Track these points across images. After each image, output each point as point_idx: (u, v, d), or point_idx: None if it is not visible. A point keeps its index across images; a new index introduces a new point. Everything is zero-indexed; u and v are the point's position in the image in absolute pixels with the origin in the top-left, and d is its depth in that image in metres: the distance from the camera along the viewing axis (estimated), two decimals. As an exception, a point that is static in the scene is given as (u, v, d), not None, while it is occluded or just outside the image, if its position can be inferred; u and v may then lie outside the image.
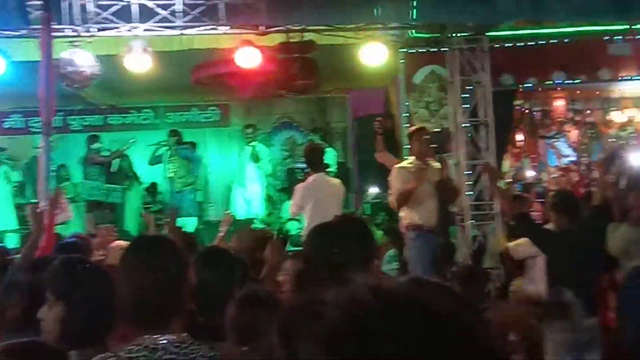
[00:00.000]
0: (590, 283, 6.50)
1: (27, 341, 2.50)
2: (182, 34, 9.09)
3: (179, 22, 8.70)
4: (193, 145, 12.99)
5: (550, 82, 11.07)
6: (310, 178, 8.45)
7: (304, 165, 10.91)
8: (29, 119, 13.16)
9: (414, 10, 9.11)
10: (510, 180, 12.30)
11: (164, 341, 2.53)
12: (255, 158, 12.29)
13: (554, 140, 14.03)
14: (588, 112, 13.42)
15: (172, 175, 12.29)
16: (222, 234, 6.74)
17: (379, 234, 9.33)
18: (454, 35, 9.87)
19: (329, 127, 13.87)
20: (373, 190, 11.32)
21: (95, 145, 12.62)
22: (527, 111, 12.98)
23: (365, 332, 0.92)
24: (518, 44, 10.57)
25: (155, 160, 12.72)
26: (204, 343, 2.61)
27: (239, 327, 2.90)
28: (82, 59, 8.91)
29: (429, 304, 0.97)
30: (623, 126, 13.52)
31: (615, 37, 10.68)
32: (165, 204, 12.39)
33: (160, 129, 13.43)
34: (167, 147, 12.47)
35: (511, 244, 7.68)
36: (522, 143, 13.49)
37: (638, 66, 9.80)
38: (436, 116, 10.54)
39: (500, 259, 8.79)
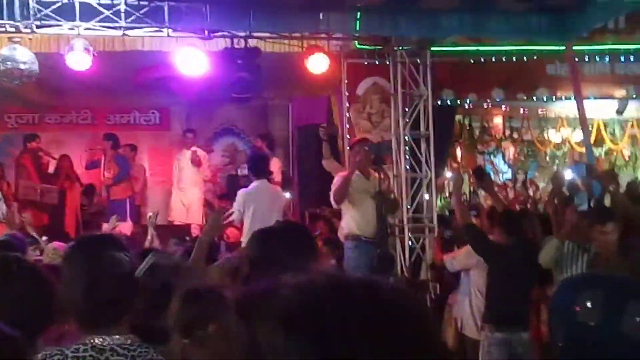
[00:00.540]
0: (525, 297, 6.65)
1: None
2: (124, 35, 8.99)
3: (122, 23, 8.60)
4: (133, 147, 12.80)
5: (490, 99, 11.31)
6: (253, 184, 8.46)
7: (245, 172, 10.86)
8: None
9: (358, 22, 9.20)
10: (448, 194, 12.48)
11: (112, 342, 2.50)
12: (196, 163, 12.20)
13: (492, 156, 14.26)
14: (524, 129, 13.69)
15: (109, 182, 12.06)
16: (150, 236, 6.70)
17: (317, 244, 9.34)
18: (397, 48, 9.99)
19: (271, 135, 13.86)
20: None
21: (33, 145, 12.35)
22: (466, 126, 13.19)
23: (319, 311, 0.96)
24: (459, 60, 10.76)
25: (92, 165, 12.53)
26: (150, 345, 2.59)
27: (182, 323, 2.88)
28: (21, 56, 8.73)
29: (379, 289, 1.01)
30: (558, 145, 13.83)
31: (553, 58, 10.96)
32: (102, 207, 12.19)
33: (99, 130, 13.23)
34: (103, 152, 12.27)
35: (447, 256, 7.78)
36: (461, 158, 13.69)
37: (574, 87, 10.05)
38: (378, 128, 10.65)
39: (431, 272, 8.89)
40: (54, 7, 8.39)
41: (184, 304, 2.95)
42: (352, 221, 8.26)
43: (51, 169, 12.48)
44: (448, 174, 11.17)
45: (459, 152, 13.52)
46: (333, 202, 8.31)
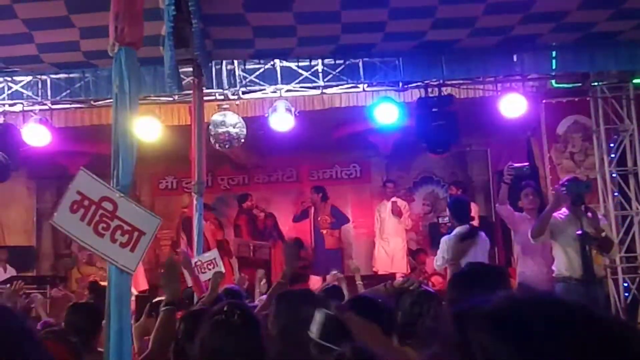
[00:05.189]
0: None
1: None
2: (323, 93, 9.38)
3: (320, 82, 8.99)
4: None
5: None
6: (455, 230, 8.43)
7: (446, 220, 10.85)
8: (181, 179, 13.88)
9: (554, 61, 9.02)
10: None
11: None
12: (397, 213, 12.36)
13: None
14: None
15: (324, 232, 12.49)
16: (359, 282, 6.87)
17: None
18: (596, 83, 9.69)
19: (470, 181, 13.78)
20: None
21: (248, 204, 13.08)
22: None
23: (527, 315, 1.03)
24: (666, 90, 10.21)
25: (300, 217, 13.00)
26: None
27: None
28: (231, 121, 9.35)
29: (594, 313, 1.04)
30: None
31: None
32: (308, 260, 12.60)
33: (303, 187, 13.78)
34: (313, 204, 12.72)
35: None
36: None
37: None
38: (582, 166, 10.31)
39: None
40: (257, 73, 8.95)
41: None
42: (561, 263, 8.00)
43: (262, 225, 13.13)
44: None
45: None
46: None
